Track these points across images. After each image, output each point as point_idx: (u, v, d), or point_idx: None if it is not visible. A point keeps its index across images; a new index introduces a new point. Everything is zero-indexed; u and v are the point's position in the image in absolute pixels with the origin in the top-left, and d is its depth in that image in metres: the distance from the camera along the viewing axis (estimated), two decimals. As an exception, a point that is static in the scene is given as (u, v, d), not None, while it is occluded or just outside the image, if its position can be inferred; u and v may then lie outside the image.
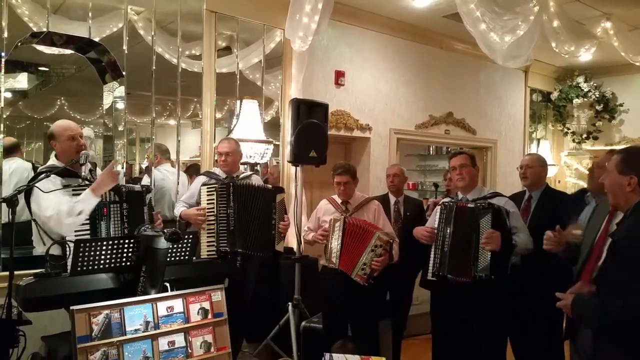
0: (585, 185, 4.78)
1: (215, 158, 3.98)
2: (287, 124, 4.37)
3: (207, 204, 3.57)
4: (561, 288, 2.62)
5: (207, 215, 3.55)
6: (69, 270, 2.50)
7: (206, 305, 2.66)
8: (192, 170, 4.67)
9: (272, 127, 4.75)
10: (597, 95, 7.07)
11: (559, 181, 7.44)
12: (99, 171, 3.27)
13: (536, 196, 3.73)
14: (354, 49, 5.27)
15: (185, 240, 2.87)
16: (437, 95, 6.04)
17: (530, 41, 4.51)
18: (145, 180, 4.33)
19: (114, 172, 2.84)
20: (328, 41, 5.05)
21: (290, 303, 3.96)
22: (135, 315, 2.43)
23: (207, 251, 3.53)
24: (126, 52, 3.90)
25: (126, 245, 2.62)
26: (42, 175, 2.77)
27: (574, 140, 7.40)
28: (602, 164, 3.21)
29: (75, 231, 2.80)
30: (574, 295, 2.22)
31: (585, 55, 5.38)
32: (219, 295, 2.72)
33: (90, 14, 3.75)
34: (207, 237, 3.55)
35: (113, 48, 3.86)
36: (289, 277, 4.10)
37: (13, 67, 3.75)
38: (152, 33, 4.03)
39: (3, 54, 3.40)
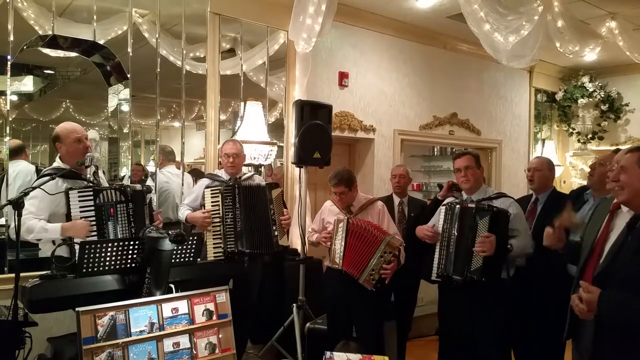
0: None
1: (219, 160, 3.99)
2: (291, 125, 4.37)
3: (212, 206, 3.58)
4: (562, 288, 2.62)
5: (212, 218, 3.56)
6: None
7: (211, 306, 2.67)
8: (194, 175, 4.68)
9: (276, 129, 4.76)
10: (602, 95, 7.04)
11: (564, 181, 7.41)
12: (101, 174, 3.30)
13: (543, 199, 3.71)
14: (357, 50, 5.27)
15: (190, 242, 2.88)
16: (441, 96, 6.04)
17: (535, 41, 4.50)
18: (149, 183, 4.34)
19: (83, 225, 2.84)
20: (332, 42, 5.06)
21: (294, 304, 3.96)
22: (141, 316, 2.44)
23: (214, 253, 3.54)
24: (131, 54, 3.92)
25: (131, 247, 2.63)
26: (47, 178, 2.79)
27: (579, 141, 7.37)
28: (604, 161, 3.19)
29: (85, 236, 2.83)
30: (602, 291, 2.15)
31: (590, 55, 5.35)
32: (223, 297, 2.73)
33: (95, 17, 3.77)
34: (213, 238, 3.56)
35: (118, 51, 3.88)
36: (293, 279, 4.10)
37: (19, 70, 3.77)
38: (157, 35, 4.04)
39: (9, 57, 3.43)
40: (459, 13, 4.55)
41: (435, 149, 8.25)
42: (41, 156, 4.87)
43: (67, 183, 2.95)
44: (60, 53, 3.89)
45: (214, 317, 2.66)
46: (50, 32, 3.62)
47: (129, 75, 3.90)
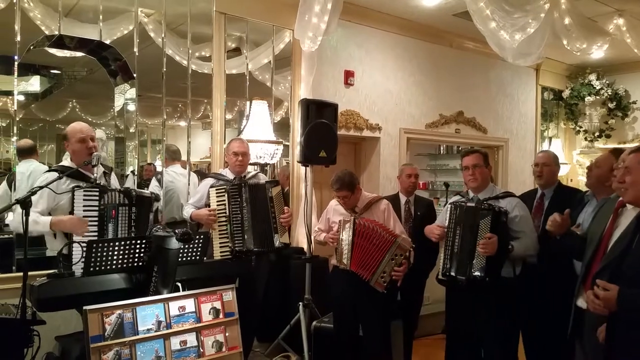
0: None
1: (225, 159, 3.99)
2: (296, 124, 4.37)
3: (217, 205, 3.59)
4: (568, 286, 2.62)
5: (218, 217, 3.57)
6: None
7: (217, 305, 2.68)
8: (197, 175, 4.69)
9: (282, 128, 4.76)
10: (610, 93, 6.99)
11: (571, 180, 7.37)
12: (113, 176, 3.31)
13: (549, 194, 3.69)
14: (363, 48, 5.26)
15: (196, 241, 2.89)
16: (447, 94, 6.01)
17: (541, 39, 4.47)
18: (154, 183, 4.35)
19: (82, 224, 2.84)
20: (337, 41, 5.05)
21: (300, 303, 3.96)
22: (148, 315, 2.45)
23: (221, 252, 3.55)
24: (137, 54, 3.93)
25: (138, 246, 2.64)
26: (55, 176, 2.81)
27: (586, 139, 7.33)
28: (601, 163, 3.19)
29: (85, 235, 2.84)
30: (620, 288, 2.15)
31: (598, 52, 5.31)
32: (230, 295, 2.74)
33: (101, 17, 3.79)
34: (220, 238, 3.56)
35: (124, 50, 3.89)
36: (300, 277, 4.10)
37: (26, 70, 3.80)
38: (163, 35, 4.05)
39: (16, 57, 3.44)
40: (464, 11, 4.53)
41: (442, 148, 8.22)
42: (48, 156, 4.90)
43: (73, 181, 2.97)
44: (66, 53, 3.91)
45: (221, 316, 2.67)
46: (56, 32, 3.63)
47: (135, 75, 3.91)
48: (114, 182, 3.28)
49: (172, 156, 4.42)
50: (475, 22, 4.24)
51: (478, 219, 3.11)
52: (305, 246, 4.15)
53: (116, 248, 2.58)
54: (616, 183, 2.39)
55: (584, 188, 3.80)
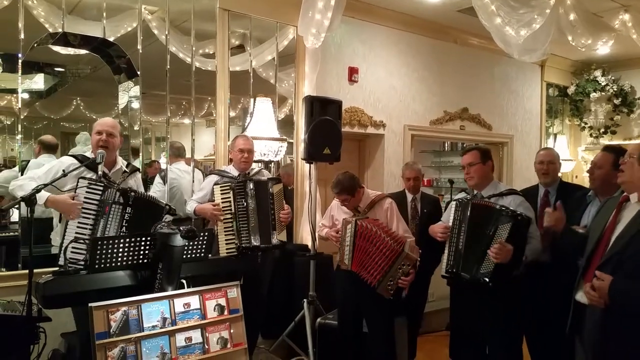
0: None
1: (230, 157, 3.99)
2: (300, 121, 4.37)
3: (223, 202, 3.59)
4: (571, 285, 2.61)
5: (223, 212, 3.57)
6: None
7: (222, 301, 2.68)
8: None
9: (286, 125, 4.75)
10: (615, 89, 6.95)
11: (576, 176, 7.34)
12: (136, 178, 3.30)
13: (553, 191, 3.69)
14: (367, 45, 5.25)
15: (201, 238, 2.89)
16: (452, 91, 5.99)
17: (547, 35, 4.44)
18: (157, 180, 4.35)
19: (74, 207, 2.85)
20: (341, 38, 5.04)
21: (305, 299, 3.96)
22: (153, 311, 2.46)
23: (227, 249, 3.55)
24: (140, 51, 3.93)
25: (143, 243, 2.65)
26: (74, 164, 2.96)
27: (591, 135, 7.29)
28: (601, 163, 3.18)
29: (78, 225, 2.85)
30: (613, 278, 2.16)
31: (603, 48, 5.27)
32: (234, 292, 2.74)
33: (104, 14, 3.79)
34: (225, 234, 3.57)
35: (127, 48, 3.89)
36: (304, 274, 4.10)
37: (30, 67, 3.80)
38: (166, 32, 4.05)
39: (20, 54, 3.45)
40: (469, 7, 4.51)
41: (446, 144, 8.21)
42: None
43: (86, 171, 3.01)
44: (70, 50, 3.91)
45: (226, 312, 2.68)
46: (60, 30, 3.63)
47: (139, 72, 3.91)
48: (133, 183, 3.25)
49: (176, 153, 4.42)
50: (481, 18, 4.22)
51: (497, 222, 3.01)
52: (309, 243, 4.15)
53: (121, 245, 2.59)
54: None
55: (588, 185, 3.79)
